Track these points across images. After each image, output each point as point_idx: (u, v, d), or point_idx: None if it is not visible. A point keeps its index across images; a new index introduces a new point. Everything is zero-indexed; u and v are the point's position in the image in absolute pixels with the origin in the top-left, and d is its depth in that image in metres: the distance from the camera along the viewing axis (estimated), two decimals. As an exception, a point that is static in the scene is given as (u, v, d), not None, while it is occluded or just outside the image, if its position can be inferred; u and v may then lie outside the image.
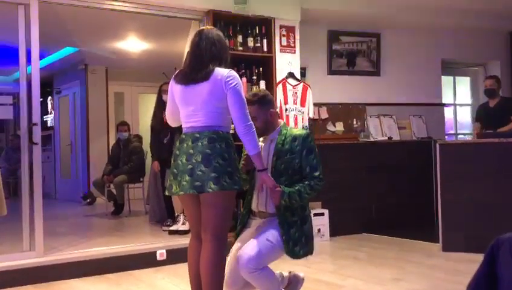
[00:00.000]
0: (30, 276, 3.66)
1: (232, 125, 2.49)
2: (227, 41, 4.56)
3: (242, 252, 2.42)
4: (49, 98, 9.65)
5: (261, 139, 2.70)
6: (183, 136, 2.46)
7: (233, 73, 2.45)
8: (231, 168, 2.37)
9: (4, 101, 3.93)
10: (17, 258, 3.73)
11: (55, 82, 9.33)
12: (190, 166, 2.35)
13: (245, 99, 2.45)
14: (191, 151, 2.37)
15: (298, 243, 2.54)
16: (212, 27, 2.71)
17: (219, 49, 2.50)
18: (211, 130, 2.39)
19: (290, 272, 2.87)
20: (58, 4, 4.11)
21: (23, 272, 3.66)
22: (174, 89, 2.53)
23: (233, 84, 2.39)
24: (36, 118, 3.87)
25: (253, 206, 2.69)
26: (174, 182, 2.44)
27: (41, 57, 3.92)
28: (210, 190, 2.31)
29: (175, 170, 2.44)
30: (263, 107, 2.63)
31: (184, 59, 2.61)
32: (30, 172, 3.88)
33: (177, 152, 2.46)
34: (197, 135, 2.38)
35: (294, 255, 2.54)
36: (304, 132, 2.68)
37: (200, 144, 2.36)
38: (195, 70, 2.44)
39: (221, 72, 2.42)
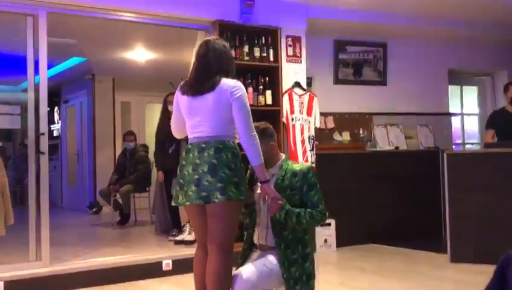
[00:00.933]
0: (36, 286, 3.66)
1: (237, 135, 2.49)
2: (232, 51, 4.61)
3: (238, 274, 2.38)
4: (56, 107, 9.71)
5: None
6: (189, 146, 2.46)
7: (239, 84, 2.46)
8: (237, 178, 2.36)
9: (12, 111, 3.96)
10: (23, 268, 3.73)
11: (62, 92, 9.39)
12: (196, 176, 2.35)
13: (250, 110, 2.45)
14: (198, 161, 2.37)
15: (299, 282, 2.47)
16: (217, 37, 2.72)
17: (225, 60, 2.51)
18: (217, 140, 2.38)
19: None
20: (66, 15, 4.13)
21: (30, 282, 3.66)
22: (180, 100, 2.53)
23: (238, 95, 2.40)
24: (43, 127, 3.89)
25: (255, 239, 2.66)
26: (180, 192, 2.44)
27: (49, 66, 3.95)
28: (216, 200, 2.30)
29: (181, 180, 2.44)
30: (264, 140, 2.57)
31: (190, 69, 2.61)
32: (37, 181, 3.89)
33: (184, 162, 2.45)
34: (203, 145, 2.38)
35: None
36: (305, 166, 2.60)
37: (206, 154, 2.36)
38: (200, 82, 2.45)
39: (227, 82, 2.43)
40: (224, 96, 2.39)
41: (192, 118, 2.47)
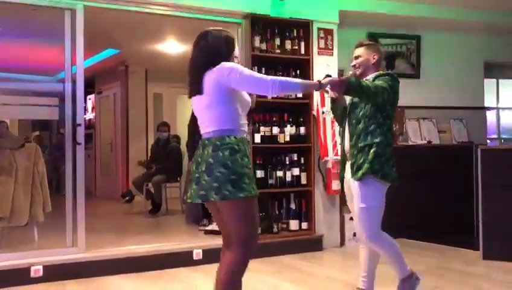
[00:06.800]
0: (72, 271, 3.80)
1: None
2: (264, 44, 4.61)
3: (358, 231, 2.91)
4: (89, 97, 9.94)
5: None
6: (199, 144, 2.44)
7: (223, 67, 2.30)
8: (235, 176, 2.26)
9: (50, 102, 4.08)
10: (61, 253, 3.88)
11: (96, 82, 9.61)
12: (197, 175, 2.34)
13: (250, 72, 2.34)
14: (199, 159, 2.36)
15: (362, 167, 2.79)
16: (210, 30, 2.49)
17: (212, 54, 2.37)
18: (217, 136, 2.32)
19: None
20: (102, 8, 4.22)
21: (66, 267, 3.80)
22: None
23: (230, 74, 2.28)
24: (80, 118, 4.01)
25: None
26: (190, 188, 2.43)
27: (84, 58, 4.07)
28: (212, 199, 2.28)
29: (190, 177, 2.44)
30: (369, 49, 3.01)
31: None
32: (73, 171, 4.02)
33: (193, 159, 2.44)
34: (206, 142, 2.35)
35: (357, 178, 2.81)
36: (381, 72, 2.96)
37: (206, 152, 2.32)
38: (190, 85, 2.40)
39: (212, 74, 2.31)
40: (214, 88, 2.30)
41: (197, 116, 2.44)
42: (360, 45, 3.07)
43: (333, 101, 3.08)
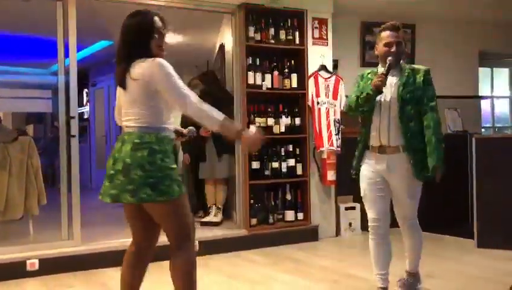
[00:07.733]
0: (68, 264, 3.80)
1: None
2: (258, 34, 4.58)
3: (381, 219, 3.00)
4: (85, 90, 9.89)
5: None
6: (119, 136, 2.29)
7: (155, 64, 2.18)
8: (154, 179, 2.12)
9: (43, 95, 4.06)
10: (56, 246, 3.87)
11: (90, 75, 9.54)
12: (112, 172, 2.18)
13: (175, 81, 2.17)
14: (116, 155, 2.19)
15: (426, 167, 2.82)
16: (136, 12, 2.35)
17: (133, 40, 2.24)
18: (138, 132, 2.18)
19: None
20: (94, 0, 4.19)
21: (62, 260, 3.80)
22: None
23: (159, 76, 2.16)
24: (74, 111, 3.98)
25: (374, 142, 2.88)
26: (103, 184, 2.28)
27: (77, 50, 4.03)
28: (125, 201, 2.17)
29: (106, 172, 2.26)
30: (401, 33, 2.88)
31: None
32: (68, 163, 4.00)
33: (110, 154, 2.28)
34: (126, 137, 2.21)
35: (423, 178, 2.90)
36: (424, 67, 2.89)
37: (124, 149, 2.17)
38: (117, 73, 2.26)
39: (140, 68, 2.17)
40: (142, 83, 2.16)
41: (123, 105, 2.29)
42: (397, 28, 2.86)
43: (378, 92, 2.84)
